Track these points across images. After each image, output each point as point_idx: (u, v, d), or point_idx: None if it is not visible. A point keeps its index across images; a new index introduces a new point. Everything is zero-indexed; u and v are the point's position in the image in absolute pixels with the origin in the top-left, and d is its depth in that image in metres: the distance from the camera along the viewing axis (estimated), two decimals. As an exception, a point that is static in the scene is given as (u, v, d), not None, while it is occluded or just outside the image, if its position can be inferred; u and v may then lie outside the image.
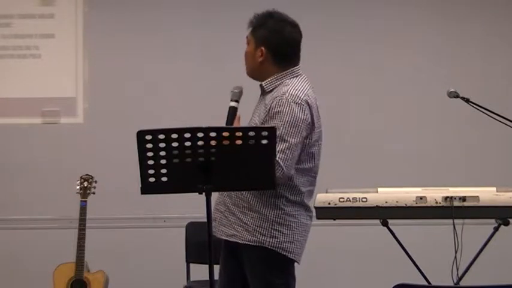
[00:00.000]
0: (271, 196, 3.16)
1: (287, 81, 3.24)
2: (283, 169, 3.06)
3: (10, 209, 5.50)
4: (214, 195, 3.07)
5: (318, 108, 3.26)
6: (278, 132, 3.03)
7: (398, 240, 4.05)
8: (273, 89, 3.25)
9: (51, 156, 5.54)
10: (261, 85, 3.30)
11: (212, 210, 2.94)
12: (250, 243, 3.18)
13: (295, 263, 3.26)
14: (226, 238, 3.25)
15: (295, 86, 3.20)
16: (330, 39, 5.53)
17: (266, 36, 3.25)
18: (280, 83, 3.24)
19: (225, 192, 3.24)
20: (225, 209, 3.25)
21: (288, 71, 3.27)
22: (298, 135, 3.11)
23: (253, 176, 2.89)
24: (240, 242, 3.20)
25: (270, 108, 3.16)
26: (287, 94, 3.15)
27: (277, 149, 3.03)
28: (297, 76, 3.27)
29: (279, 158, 3.04)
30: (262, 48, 3.25)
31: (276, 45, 3.25)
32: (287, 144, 3.08)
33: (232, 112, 3.25)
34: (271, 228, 3.17)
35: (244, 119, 3.33)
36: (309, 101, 3.18)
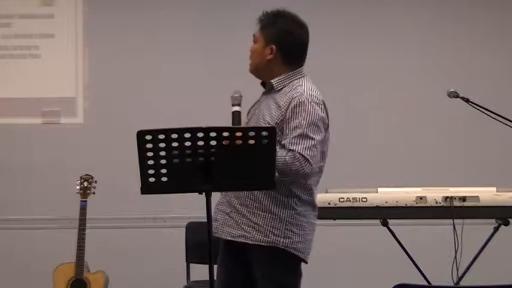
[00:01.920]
0: (284, 195, 3.16)
1: (296, 81, 3.24)
2: (311, 165, 3.07)
3: (10, 209, 5.50)
4: (215, 195, 3.07)
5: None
6: (302, 131, 3.07)
7: (398, 240, 4.06)
8: (281, 88, 3.25)
9: (51, 156, 5.55)
10: (270, 83, 3.28)
11: (213, 211, 2.93)
12: (263, 244, 3.15)
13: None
14: (232, 239, 3.21)
15: (308, 87, 3.22)
16: (329, 39, 5.53)
17: (277, 35, 3.25)
18: (288, 82, 3.24)
19: (231, 193, 3.23)
20: (230, 210, 3.22)
21: (296, 71, 3.27)
22: (321, 133, 3.14)
23: (253, 176, 2.89)
24: (251, 242, 3.17)
25: (289, 108, 3.15)
26: (306, 94, 3.16)
27: (304, 146, 3.06)
28: (303, 76, 3.28)
29: (307, 155, 3.05)
30: (273, 46, 3.25)
31: (286, 45, 3.25)
32: (313, 142, 3.09)
33: (237, 117, 3.24)
34: (285, 229, 3.15)
35: (244, 120, 3.32)
36: (323, 100, 3.21)
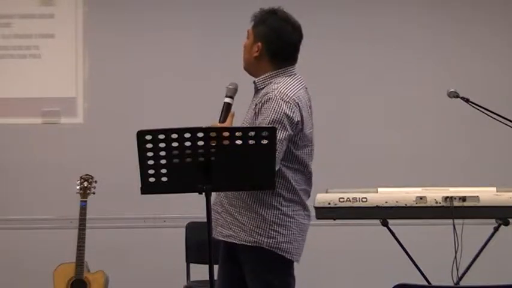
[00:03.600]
0: (268, 195, 3.15)
1: (279, 79, 3.22)
2: None
3: (10, 209, 5.50)
4: (214, 195, 3.07)
5: (309, 109, 3.25)
6: None
7: (398, 240, 4.05)
8: (264, 87, 3.24)
9: (51, 156, 5.54)
10: (254, 82, 3.30)
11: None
12: (248, 244, 3.17)
13: (295, 263, 3.25)
14: (223, 239, 3.24)
15: (286, 84, 3.19)
16: (329, 39, 5.53)
17: (265, 33, 3.25)
18: (272, 81, 3.23)
19: (222, 193, 3.23)
20: (222, 210, 3.24)
21: (281, 69, 3.25)
22: (284, 132, 3.09)
23: (253, 176, 2.89)
24: (237, 242, 3.19)
25: (258, 104, 3.15)
26: (276, 91, 3.14)
27: None
28: (290, 75, 3.25)
29: None
30: (259, 44, 3.25)
31: (273, 44, 3.24)
32: None
33: (227, 108, 3.24)
34: (269, 229, 3.15)
35: (240, 119, 3.32)
36: (298, 101, 3.16)
